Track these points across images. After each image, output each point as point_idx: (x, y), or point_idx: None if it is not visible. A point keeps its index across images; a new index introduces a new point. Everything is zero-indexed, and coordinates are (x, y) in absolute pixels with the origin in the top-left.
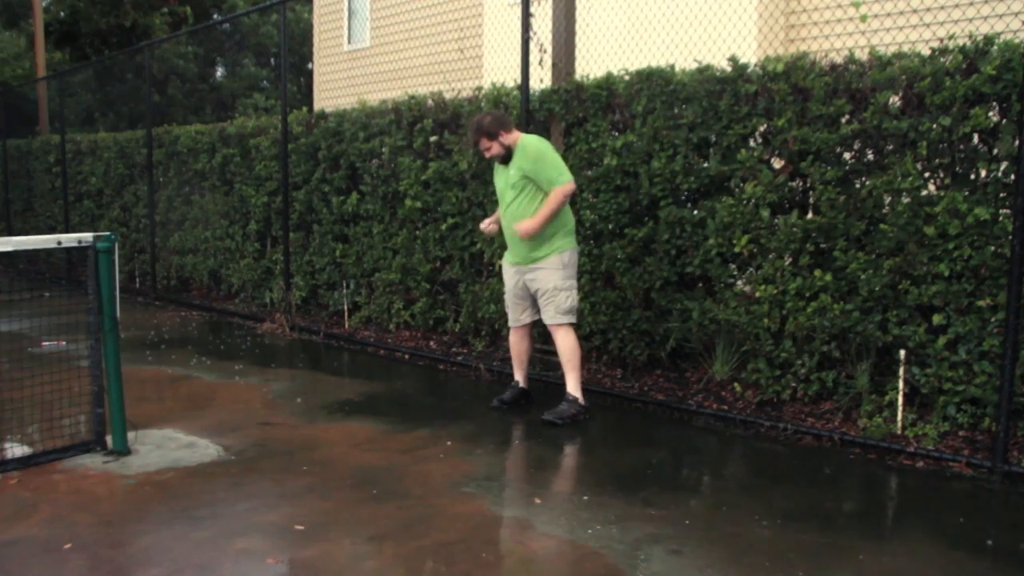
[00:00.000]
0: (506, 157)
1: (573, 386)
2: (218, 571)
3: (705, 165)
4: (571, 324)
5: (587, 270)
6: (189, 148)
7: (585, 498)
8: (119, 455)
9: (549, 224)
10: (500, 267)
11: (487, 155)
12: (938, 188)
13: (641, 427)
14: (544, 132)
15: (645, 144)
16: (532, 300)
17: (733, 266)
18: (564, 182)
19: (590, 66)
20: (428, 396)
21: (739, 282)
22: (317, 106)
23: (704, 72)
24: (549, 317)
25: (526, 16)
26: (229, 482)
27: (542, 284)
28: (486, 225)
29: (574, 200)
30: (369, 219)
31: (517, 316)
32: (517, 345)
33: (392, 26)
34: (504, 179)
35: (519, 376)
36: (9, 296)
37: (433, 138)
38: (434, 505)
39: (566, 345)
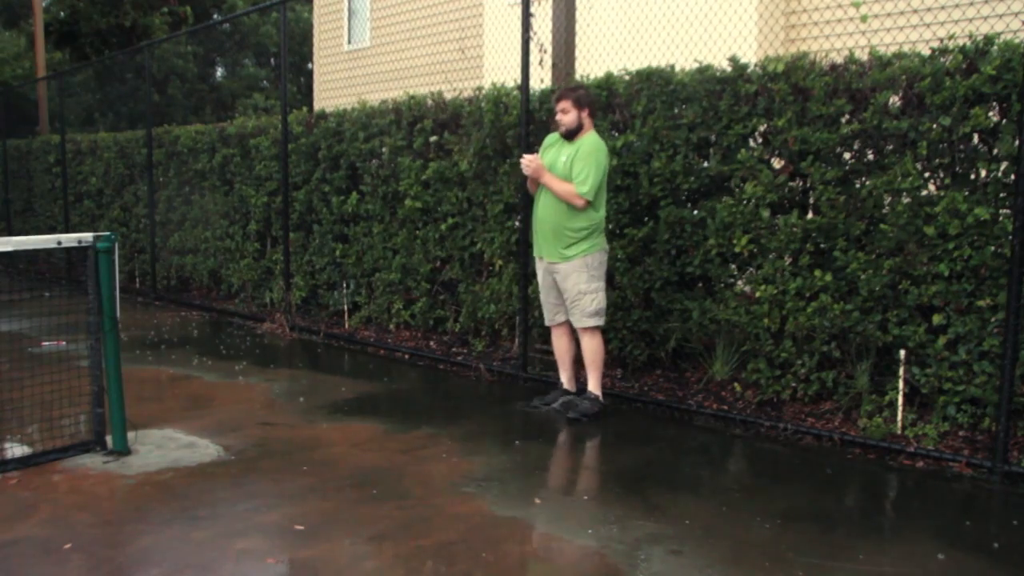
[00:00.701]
0: (570, 133)
1: (594, 385)
2: (218, 571)
3: (705, 165)
4: (597, 327)
5: None
6: (189, 148)
7: (585, 498)
8: (119, 455)
9: (580, 227)
10: (499, 266)
11: (559, 117)
12: (938, 188)
13: (641, 427)
14: (544, 132)
15: (645, 144)
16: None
17: (733, 266)
18: (580, 192)
19: (590, 66)
20: (428, 396)
21: (739, 282)
22: (317, 106)
23: (704, 72)
24: (576, 320)
25: (526, 16)
26: (229, 482)
27: (565, 286)
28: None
29: None
30: (369, 219)
31: (552, 316)
32: (556, 343)
33: (392, 26)
34: (553, 159)
35: (564, 377)
36: (9, 296)
37: (433, 138)
38: (434, 505)
39: (590, 347)
